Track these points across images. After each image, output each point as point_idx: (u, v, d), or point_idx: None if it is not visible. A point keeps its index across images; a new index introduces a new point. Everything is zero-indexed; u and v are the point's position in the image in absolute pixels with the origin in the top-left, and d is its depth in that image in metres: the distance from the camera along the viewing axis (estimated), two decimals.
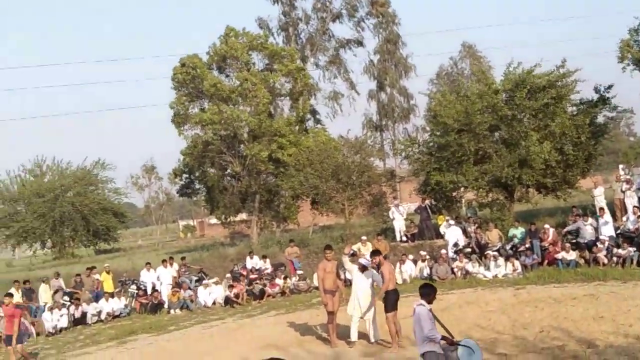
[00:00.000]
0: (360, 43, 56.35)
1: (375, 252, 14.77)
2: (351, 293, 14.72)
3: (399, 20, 58.52)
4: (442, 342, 9.00)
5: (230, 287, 24.35)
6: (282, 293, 24.71)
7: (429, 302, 9.23)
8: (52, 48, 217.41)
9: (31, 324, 21.82)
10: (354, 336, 14.41)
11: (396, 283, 15.18)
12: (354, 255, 24.67)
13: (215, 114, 37.26)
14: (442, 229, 28.26)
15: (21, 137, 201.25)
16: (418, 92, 58.36)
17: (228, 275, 26.23)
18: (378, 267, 14.41)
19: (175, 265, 27.25)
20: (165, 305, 24.13)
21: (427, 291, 9.35)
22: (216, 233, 61.97)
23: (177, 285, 25.37)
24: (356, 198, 34.94)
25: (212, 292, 24.55)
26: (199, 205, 75.61)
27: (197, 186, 44.67)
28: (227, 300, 23.90)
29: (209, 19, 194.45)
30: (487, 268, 23.56)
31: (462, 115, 28.18)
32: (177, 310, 23.68)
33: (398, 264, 24.25)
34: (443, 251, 25.12)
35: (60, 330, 22.12)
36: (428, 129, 32.80)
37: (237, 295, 23.89)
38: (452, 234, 26.41)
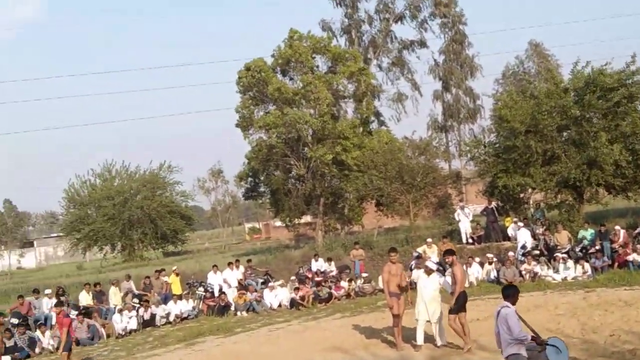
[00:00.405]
0: (423, 44, 56.00)
1: (448, 252, 14.59)
2: (417, 296, 14.62)
3: (465, 19, 57.86)
4: (531, 342, 8.88)
5: (296, 289, 24.45)
6: (347, 295, 24.70)
7: (513, 304, 9.09)
8: (118, 55, 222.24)
9: (102, 326, 22.33)
10: (420, 339, 14.31)
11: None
12: (419, 258, 24.68)
13: (278, 117, 37.50)
14: (509, 231, 27.87)
15: (91, 142, 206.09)
16: (482, 94, 57.32)
17: (293, 277, 26.34)
18: (449, 266, 14.26)
19: (242, 268, 27.50)
20: (232, 308, 24.35)
21: (511, 292, 9.20)
22: (281, 235, 62.35)
23: (243, 287, 25.58)
24: (421, 200, 34.75)
25: (277, 295, 24.69)
26: (264, 208, 76.18)
27: (262, 189, 45.05)
28: (293, 303, 24.01)
29: (273, 23, 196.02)
30: (556, 271, 23.15)
31: (529, 117, 27.75)
32: (244, 313, 23.88)
33: (464, 267, 23.97)
34: (511, 253, 24.70)
35: (130, 332, 22.52)
36: (494, 130, 32.38)
37: (302, 298, 23.97)
38: (521, 236, 26.00)
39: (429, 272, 14.57)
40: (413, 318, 14.51)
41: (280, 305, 24.33)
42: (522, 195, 30.87)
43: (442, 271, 21.55)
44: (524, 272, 23.50)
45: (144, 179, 61.83)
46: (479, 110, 58.65)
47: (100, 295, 25.07)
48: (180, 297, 24.96)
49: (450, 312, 13.45)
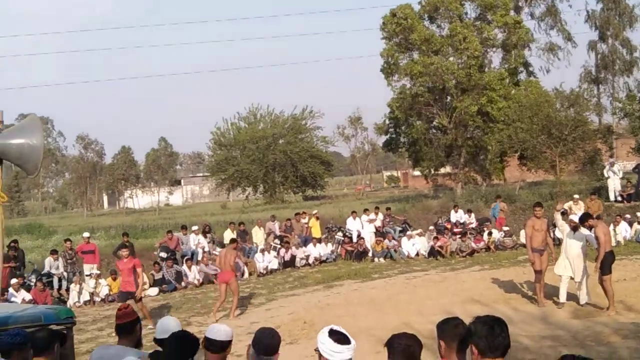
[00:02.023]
0: None
1: (585, 216, 13.95)
2: (561, 252, 14.17)
3: None
4: None
5: (434, 239, 24.34)
6: (487, 248, 24.35)
7: None
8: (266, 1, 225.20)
9: (244, 264, 23.12)
10: (562, 297, 13.91)
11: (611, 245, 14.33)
12: (564, 214, 23.86)
13: (424, 66, 36.95)
14: None
15: (238, 86, 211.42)
16: (639, 51, 53.99)
17: (432, 227, 26.20)
18: (590, 229, 13.71)
19: (380, 215, 27.60)
20: (370, 254, 24.58)
21: None
22: (419, 185, 62.04)
23: (381, 234, 25.71)
24: (568, 154, 33.46)
25: (415, 243, 24.69)
26: (403, 157, 75.93)
27: (402, 140, 44.79)
28: (431, 252, 23.95)
29: None
30: None
31: None
32: (381, 259, 24.06)
33: (612, 225, 22.99)
34: None
35: (271, 271, 23.23)
36: None
37: (441, 248, 23.85)
38: None
39: (574, 227, 14.03)
40: (556, 274, 14.09)
41: (417, 254, 24.34)
42: None
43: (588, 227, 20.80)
44: None
45: (287, 123, 62.99)
46: (636, 62, 55.46)
47: (243, 234, 25.86)
48: (319, 241, 25.42)
49: (604, 273, 12.93)
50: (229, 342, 5.02)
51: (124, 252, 16.10)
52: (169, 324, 5.68)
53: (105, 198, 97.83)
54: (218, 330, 4.99)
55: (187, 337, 5.09)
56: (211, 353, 4.98)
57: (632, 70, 55.41)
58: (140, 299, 15.58)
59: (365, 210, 27.64)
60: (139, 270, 15.70)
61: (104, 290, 20.04)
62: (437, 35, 38.79)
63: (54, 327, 6.38)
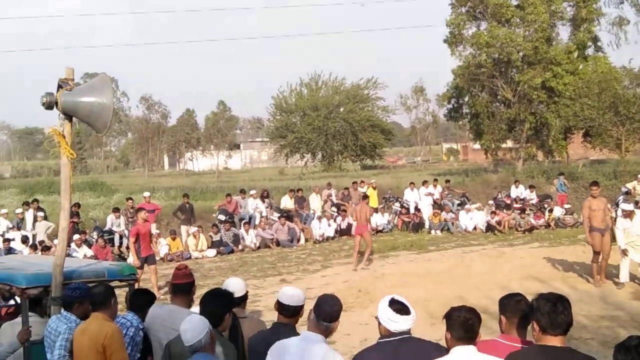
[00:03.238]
0: None
1: None
2: (624, 233, 13.80)
3: None
4: None
5: (493, 213, 24.08)
6: (547, 225, 24.00)
7: None
8: None
9: (301, 230, 23.26)
10: (623, 277, 13.62)
11: None
12: (628, 194, 23.35)
13: (492, 37, 36.34)
14: None
15: (299, 53, 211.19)
16: None
17: (491, 202, 25.93)
18: None
19: (439, 187, 27.39)
20: (427, 225, 24.47)
21: None
22: (479, 158, 61.39)
23: (440, 207, 25.54)
24: (635, 133, 32.66)
25: (473, 217, 24.48)
26: (463, 130, 75.08)
27: (465, 111, 44.28)
28: (489, 227, 23.72)
29: None
30: None
31: None
32: (438, 232, 23.96)
33: None
34: None
35: (327, 238, 23.35)
36: None
37: (499, 223, 23.59)
38: None
39: (627, 214, 13.69)
40: (619, 255, 13.79)
41: (475, 228, 24.15)
42: None
43: None
44: None
45: (349, 92, 62.74)
46: None
47: (301, 201, 26.00)
48: (376, 210, 25.38)
49: None
50: (302, 307, 5.07)
51: (143, 215, 15.67)
52: (232, 283, 5.76)
53: (166, 159, 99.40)
54: (292, 296, 5.03)
55: (220, 293, 5.23)
56: (284, 317, 5.04)
57: None
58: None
59: (425, 182, 27.45)
60: (154, 234, 15.50)
61: (163, 250, 20.40)
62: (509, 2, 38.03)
63: (117, 283, 6.54)
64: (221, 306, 5.09)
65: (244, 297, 5.78)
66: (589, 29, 40.62)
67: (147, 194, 23.79)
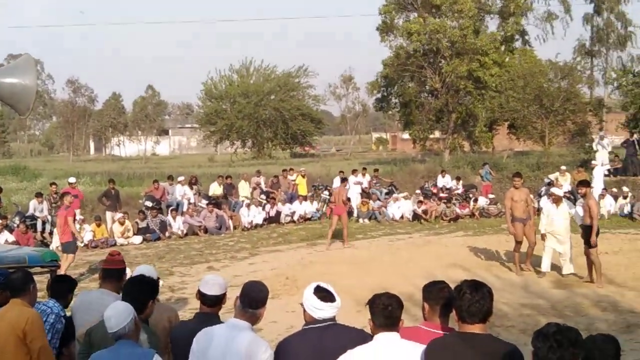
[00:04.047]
0: None
1: (583, 182, 13.91)
2: (547, 224, 14.13)
3: None
4: None
5: (420, 202, 24.41)
6: (472, 215, 24.48)
7: None
8: None
9: (229, 218, 23.13)
10: (545, 267, 13.98)
11: None
12: (550, 185, 24.00)
13: (421, 25, 36.76)
14: None
15: (230, 41, 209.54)
16: (634, 26, 53.80)
17: (418, 191, 26.27)
18: (582, 197, 13.70)
19: (368, 176, 27.61)
20: (355, 214, 24.64)
21: None
22: (408, 148, 62.11)
23: (367, 195, 25.73)
24: (558, 126, 33.57)
25: (400, 206, 24.76)
26: (392, 120, 75.81)
27: (394, 100, 44.70)
28: (415, 216, 24.04)
29: None
30: None
31: None
32: (366, 220, 24.15)
33: (597, 198, 23.11)
34: None
35: (255, 226, 23.29)
36: None
37: (425, 212, 23.93)
38: None
39: (556, 199, 14.08)
40: (542, 244, 14.14)
41: (402, 217, 24.42)
42: None
43: (572, 200, 20.95)
44: None
45: (280, 79, 62.59)
46: (630, 37, 55.34)
47: (230, 188, 25.86)
48: (305, 198, 25.47)
49: (591, 246, 12.94)
50: (224, 295, 5.04)
51: (70, 199, 15.68)
52: (143, 271, 5.68)
53: (92, 144, 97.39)
54: (214, 285, 4.99)
55: (144, 280, 5.17)
56: (207, 306, 5.00)
57: (626, 45, 55.37)
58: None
59: (354, 171, 27.62)
60: (69, 219, 15.30)
61: (87, 236, 19.99)
62: None
63: (38, 269, 6.39)
64: (144, 293, 5.02)
65: None
66: (517, 21, 41.52)
67: (72, 179, 23.22)
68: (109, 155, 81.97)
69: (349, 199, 23.58)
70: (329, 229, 19.04)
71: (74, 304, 6.00)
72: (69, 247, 15.15)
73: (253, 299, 4.54)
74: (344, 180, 21.48)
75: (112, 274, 5.89)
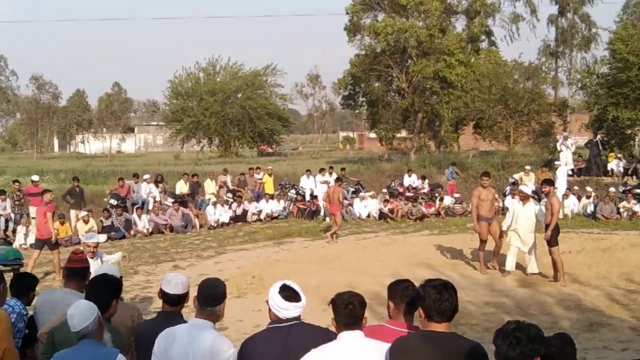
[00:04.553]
0: None
1: (547, 181, 14.07)
2: (512, 222, 14.27)
3: None
4: None
5: (386, 202, 24.50)
6: (437, 214, 24.63)
7: None
8: None
9: (195, 216, 23.01)
10: (509, 266, 14.14)
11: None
12: (515, 184, 24.27)
13: (389, 25, 36.88)
14: (611, 166, 27.05)
15: (197, 36, 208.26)
16: (598, 27, 54.47)
17: (384, 190, 26.37)
18: (545, 196, 13.84)
19: (334, 175, 27.64)
20: (322, 213, 24.66)
21: None
22: (375, 147, 62.29)
23: None
24: (523, 126, 33.94)
25: (367, 205, 24.83)
26: (359, 119, 76.02)
27: (361, 99, 44.82)
28: (382, 215, 24.13)
29: None
30: None
31: None
32: None
33: (561, 198, 23.40)
34: (611, 189, 23.89)
35: (222, 224, 23.19)
36: (608, 61, 31.06)
37: (392, 211, 24.03)
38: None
39: (523, 197, 14.22)
40: (507, 243, 14.28)
41: (369, 216, 24.50)
42: (629, 131, 29.74)
43: (537, 199, 21.16)
44: (622, 210, 22.82)
45: (247, 78, 62.40)
46: (594, 38, 56.02)
47: (196, 186, 25.74)
48: (272, 197, 25.43)
49: (551, 244, 13.09)
50: (186, 294, 5.01)
51: (50, 196, 15.59)
52: (106, 270, 5.63)
53: (56, 141, 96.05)
54: (176, 284, 4.96)
55: (107, 279, 5.14)
56: (169, 305, 4.97)
57: (590, 46, 56.02)
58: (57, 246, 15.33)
59: (321, 170, 27.65)
60: (48, 215, 15.21)
61: None
62: None
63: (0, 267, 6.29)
64: (108, 292, 4.98)
65: None
66: (483, 22, 41.89)
67: (35, 177, 22.91)
68: (73, 152, 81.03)
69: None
70: (334, 226, 19.56)
71: (37, 302, 5.94)
72: (50, 242, 14.94)
73: (210, 297, 4.51)
74: (338, 179, 21.53)
75: (76, 272, 5.85)
